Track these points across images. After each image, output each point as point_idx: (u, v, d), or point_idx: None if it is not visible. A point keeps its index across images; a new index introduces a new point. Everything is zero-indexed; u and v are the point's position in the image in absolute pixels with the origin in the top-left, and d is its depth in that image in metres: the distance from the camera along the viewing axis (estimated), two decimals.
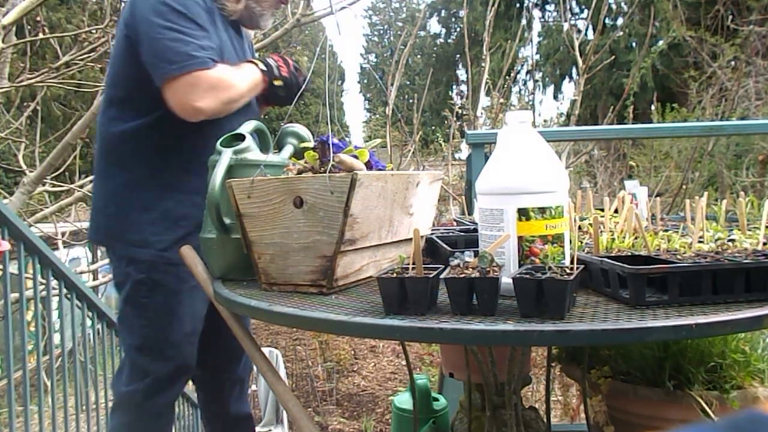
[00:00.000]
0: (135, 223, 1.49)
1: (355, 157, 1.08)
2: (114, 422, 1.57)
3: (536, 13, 15.22)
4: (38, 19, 3.45)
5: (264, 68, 1.50)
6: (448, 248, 1.08)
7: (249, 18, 1.60)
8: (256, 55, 1.81)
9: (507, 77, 4.28)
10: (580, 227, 1.25)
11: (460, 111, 4.77)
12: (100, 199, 1.56)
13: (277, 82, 1.51)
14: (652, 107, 6.10)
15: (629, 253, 0.98)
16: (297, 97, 1.54)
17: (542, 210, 0.89)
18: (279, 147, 1.37)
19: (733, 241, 1.02)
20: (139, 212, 1.49)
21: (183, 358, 1.56)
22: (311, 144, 1.21)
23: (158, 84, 1.38)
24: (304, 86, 1.56)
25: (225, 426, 1.78)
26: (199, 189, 1.34)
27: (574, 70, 12.03)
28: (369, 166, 1.13)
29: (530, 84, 13.93)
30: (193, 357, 1.58)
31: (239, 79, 1.43)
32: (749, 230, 1.12)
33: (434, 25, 22.74)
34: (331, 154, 1.04)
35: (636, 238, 1.10)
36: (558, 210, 0.90)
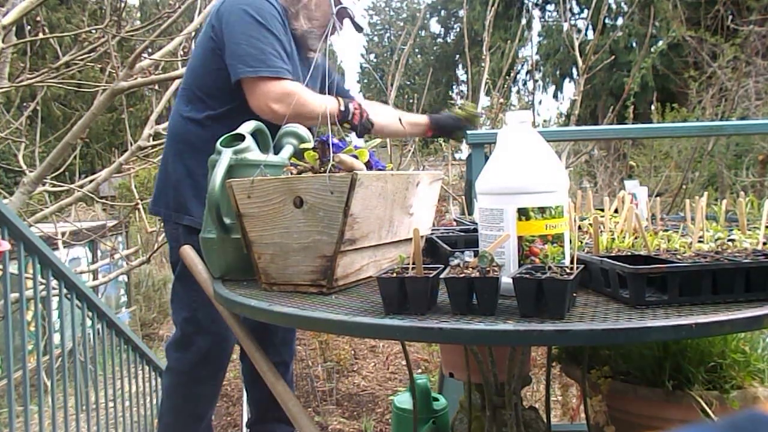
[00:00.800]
0: (192, 203, 1.70)
1: (355, 157, 1.08)
2: (166, 381, 1.88)
3: (536, 13, 15.24)
4: (38, 19, 3.44)
5: (343, 109, 1.67)
6: (448, 248, 1.08)
7: (302, 37, 1.75)
8: (337, 80, 1.97)
9: (507, 77, 4.27)
10: (580, 227, 1.25)
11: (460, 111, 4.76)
12: (166, 178, 1.79)
13: (346, 125, 1.68)
14: (652, 107, 6.10)
15: (629, 253, 0.98)
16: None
17: (542, 210, 0.89)
18: (279, 147, 1.37)
19: (733, 241, 1.02)
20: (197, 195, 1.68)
21: (223, 334, 1.75)
22: (311, 144, 1.21)
23: (234, 79, 1.59)
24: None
25: (267, 409, 1.99)
26: None
27: (574, 70, 12.04)
28: (369, 166, 1.13)
29: (530, 84, 13.94)
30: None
31: (317, 103, 1.60)
32: (749, 230, 1.12)
33: (434, 25, 22.75)
34: (331, 154, 1.04)
35: (636, 238, 1.10)
36: (558, 210, 0.90)
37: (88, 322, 2.31)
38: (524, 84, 14.80)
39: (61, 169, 3.62)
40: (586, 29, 9.65)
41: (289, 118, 1.43)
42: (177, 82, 3.09)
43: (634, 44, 12.19)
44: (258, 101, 1.56)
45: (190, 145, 1.71)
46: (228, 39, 1.60)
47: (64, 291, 2.13)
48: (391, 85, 4.19)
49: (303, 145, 1.25)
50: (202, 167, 1.54)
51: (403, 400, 1.74)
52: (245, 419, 2.49)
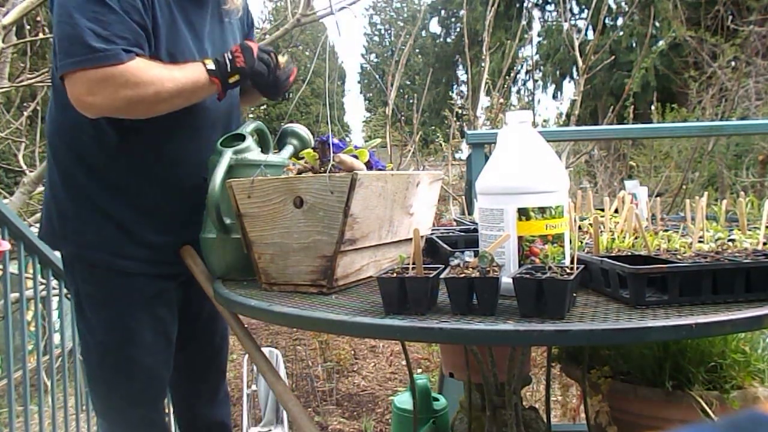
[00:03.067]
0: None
1: (355, 157, 1.08)
2: (102, 429, 1.52)
3: (536, 13, 15.23)
4: (38, 19, 3.44)
5: (212, 67, 1.25)
6: (448, 248, 1.08)
7: None
8: (254, 38, 1.60)
9: (507, 77, 4.27)
10: (580, 227, 1.25)
11: (460, 111, 4.77)
12: None
13: (232, 79, 1.26)
14: (652, 107, 6.10)
15: (629, 253, 0.98)
16: (285, 84, 1.36)
17: (542, 210, 0.89)
18: (279, 147, 1.37)
19: (733, 241, 1.02)
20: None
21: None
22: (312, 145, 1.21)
23: (58, 77, 1.20)
24: (292, 72, 1.38)
25: None
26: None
27: (574, 70, 12.04)
28: (369, 166, 1.13)
29: (530, 84, 13.95)
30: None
31: (161, 76, 1.20)
32: (749, 230, 1.12)
33: (434, 25, 22.76)
34: (331, 154, 1.04)
35: (636, 238, 1.10)
36: (558, 210, 0.90)
37: None
38: (524, 84, 14.82)
39: None
40: (586, 29, 9.65)
41: (122, 109, 1.18)
42: None
43: (634, 44, 12.19)
44: (73, 99, 1.18)
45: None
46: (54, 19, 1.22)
47: (64, 291, 2.13)
48: (391, 85, 4.20)
49: (303, 152, 1.22)
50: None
51: (403, 400, 1.74)
52: (245, 419, 2.49)
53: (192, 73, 1.24)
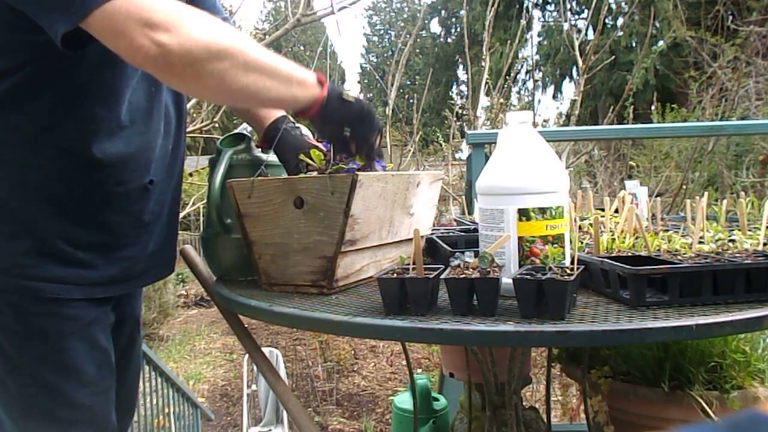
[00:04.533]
0: None
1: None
2: None
3: (536, 13, 15.23)
4: None
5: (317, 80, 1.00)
6: (449, 248, 1.08)
7: None
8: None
9: (507, 77, 4.28)
10: (580, 227, 1.25)
11: (460, 111, 4.78)
12: None
13: (347, 97, 1.02)
14: (652, 107, 6.10)
15: (630, 254, 0.98)
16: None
17: (542, 210, 0.89)
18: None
19: (733, 241, 1.02)
20: None
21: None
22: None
23: (65, 25, 0.82)
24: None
25: None
26: None
27: (574, 70, 12.04)
28: (370, 166, 1.13)
29: (530, 84, 13.95)
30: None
31: (259, 52, 0.91)
32: (750, 231, 1.12)
33: (434, 25, 22.76)
34: (332, 156, 1.05)
35: (636, 238, 1.10)
36: (558, 210, 0.90)
37: None
38: (524, 84, 14.82)
39: None
40: (586, 29, 9.64)
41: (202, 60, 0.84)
42: None
43: (634, 44, 12.19)
44: (127, 38, 0.81)
45: None
46: None
47: None
48: (391, 85, 4.20)
49: (311, 152, 1.17)
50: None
51: (403, 400, 1.74)
52: (245, 419, 2.49)
53: (290, 65, 0.97)
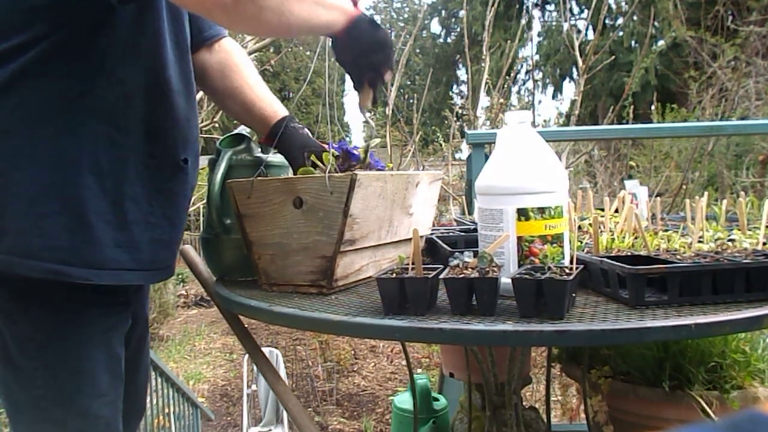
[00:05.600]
0: None
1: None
2: None
3: (536, 13, 15.24)
4: None
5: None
6: (448, 248, 1.08)
7: None
8: None
9: (507, 77, 4.28)
10: (580, 227, 1.25)
11: (460, 111, 4.78)
12: None
13: (376, 24, 1.03)
14: (652, 107, 6.10)
15: (629, 253, 0.98)
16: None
17: (542, 210, 0.89)
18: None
19: (732, 241, 1.02)
20: None
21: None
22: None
23: None
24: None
25: None
26: None
27: (574, 71, 12.04)
28: (369, 166, 1.13)
29: (530, 84, 13.96)
30: None
31: None
32: (749, 230, 1.12)
33: (434, 25, 22.77)
34: (330, 159, 1.05)
35: (636, 238, 1.10)
36: (557, 210, 0.90)
37: None
38: (524, 84, 14.83)
39: None
40: (586, 29, 9.66)
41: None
42: None
43: (634, 44, 12.19)
44: None
45: None
46: None
47: None
48: (391, 85, 4.20)
49: (324, 155, 1.12)
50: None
51: (403, 400, 1.74)
52: (245, 419, 2.49)
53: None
